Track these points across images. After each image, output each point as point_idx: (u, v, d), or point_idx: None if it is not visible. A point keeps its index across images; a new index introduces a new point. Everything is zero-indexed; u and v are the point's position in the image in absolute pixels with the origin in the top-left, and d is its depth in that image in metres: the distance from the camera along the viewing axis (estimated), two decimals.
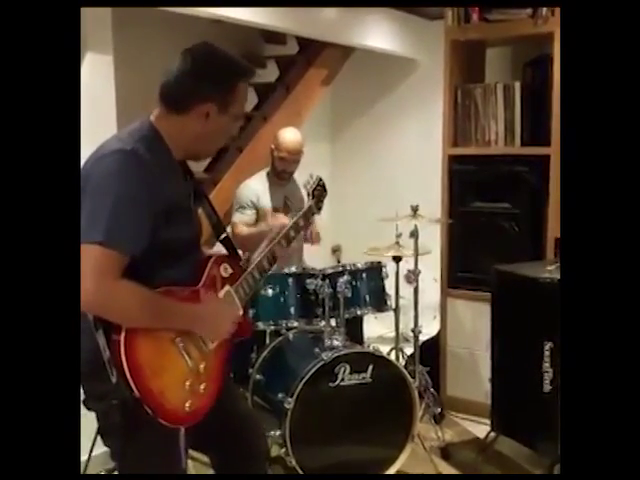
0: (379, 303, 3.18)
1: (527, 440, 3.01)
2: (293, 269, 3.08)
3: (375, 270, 3.19)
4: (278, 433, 2.71)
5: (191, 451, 2.20)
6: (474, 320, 3.64)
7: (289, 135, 3.55)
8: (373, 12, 4.86)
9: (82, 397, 1.67)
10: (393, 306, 3.33)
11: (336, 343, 2.90)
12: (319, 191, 2.29)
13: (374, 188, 5.83)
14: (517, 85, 3.48)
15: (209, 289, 1.81)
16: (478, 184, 3.58)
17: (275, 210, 3.48)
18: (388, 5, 4.92)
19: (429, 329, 3.99)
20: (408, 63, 5.54)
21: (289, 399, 2.69)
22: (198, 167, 4.33)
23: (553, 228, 3.35)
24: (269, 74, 5.41)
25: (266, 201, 3.53)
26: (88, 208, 1.54)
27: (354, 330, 3.34)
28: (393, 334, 3.63)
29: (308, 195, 2.27)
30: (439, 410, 3.48)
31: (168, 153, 1.74)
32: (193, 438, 1.82)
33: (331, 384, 2.78)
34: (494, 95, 3.52)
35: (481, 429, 3.42)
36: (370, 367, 2.83)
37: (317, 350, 2.86)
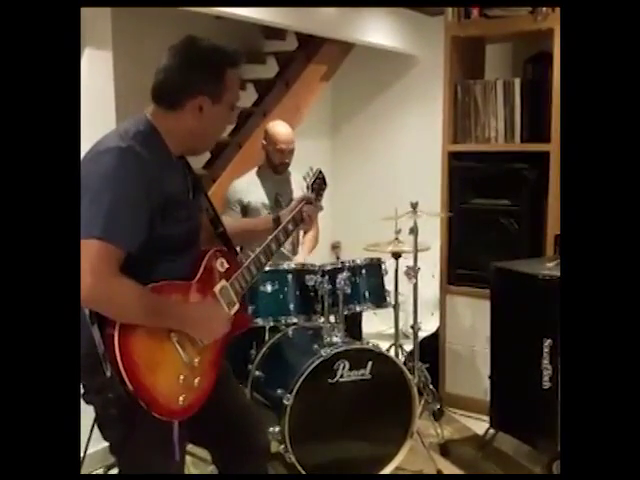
0: (378, 299, 3.18)
1: (526, 437, 3.02)
2: (292, 265, 3.08)
3: (374, 266, 3.19)
4: (277, 429, 2.70)
5: (190, 447, 2.20)
6: (473, 317, 3.64)
7: (280, 127, 3.59)
8: (373, 8, 4.85)
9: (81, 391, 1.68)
10: (392, 302, 3.33)
11: (335, 339, 2.90)
12: (318, 184, 2.27)
13: (373, 184, 5.83)
14: (517, 81, 3.47)
15: (205, 283, 1.81)
16: (478, 180, 3.57)
17: (264, 207, 3.50)
18: (388, 5, 4.92)
19: (428, 325, 3.99)
20: (408, 59, 5.54)
21: (288, 395, 2.69)
22: (197, 164, 4.33)
23: (553, 225, 3.35)
24: (269, 70, 5.40)
25: (257, 197, 3.53)
26: (86, 205, 1.54)
27: (353, 326, 3.35)
28: (392, 330, 3.63)
29: (307, 188, 2.25)
30: (438, 407, 3.49)
31: (165, 149, 1.74)
32: (193, 433, 1.82)
33: (330, 380, 2.78)
34: (494, 91, 3.51)
35: (480, 426, 3.42)
36: (369, 363, 2.83)
37: (316, 346, 2.86)
